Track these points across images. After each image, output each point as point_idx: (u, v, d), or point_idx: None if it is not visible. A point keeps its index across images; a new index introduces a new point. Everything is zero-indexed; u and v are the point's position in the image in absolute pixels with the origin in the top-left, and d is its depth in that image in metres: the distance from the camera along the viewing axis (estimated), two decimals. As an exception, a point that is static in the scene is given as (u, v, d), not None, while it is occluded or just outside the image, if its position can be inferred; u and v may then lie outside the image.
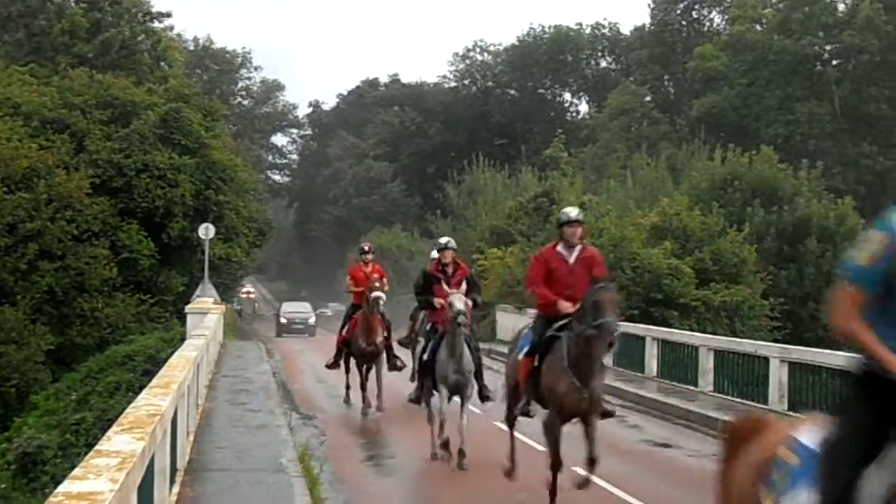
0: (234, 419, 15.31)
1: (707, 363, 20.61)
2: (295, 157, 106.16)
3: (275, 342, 41.86)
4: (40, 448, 22.00)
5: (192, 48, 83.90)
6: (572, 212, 10.99)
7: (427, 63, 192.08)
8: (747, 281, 34.52)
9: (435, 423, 13.49)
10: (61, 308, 36.27)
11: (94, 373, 29.81)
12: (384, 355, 18.17)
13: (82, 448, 19.83)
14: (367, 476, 13.17)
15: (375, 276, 17.89)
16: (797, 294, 39.04)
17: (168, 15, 55.09)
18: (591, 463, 10.22)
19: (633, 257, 31.70)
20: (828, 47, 70.19)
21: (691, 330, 27.94)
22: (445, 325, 13.08)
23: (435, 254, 17.67)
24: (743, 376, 19.58)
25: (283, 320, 55.47)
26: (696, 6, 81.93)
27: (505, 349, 17.00)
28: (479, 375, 13.47)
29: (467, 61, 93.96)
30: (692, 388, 20.77)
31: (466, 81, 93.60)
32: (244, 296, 79.86)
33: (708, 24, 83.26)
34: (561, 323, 10.35)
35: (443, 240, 14.81)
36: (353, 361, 18.62)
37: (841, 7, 70.70)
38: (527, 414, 11.20)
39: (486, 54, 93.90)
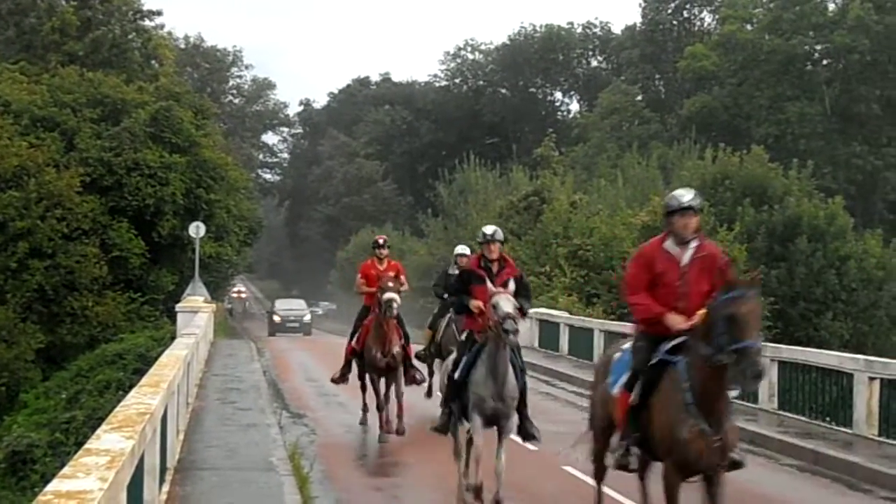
0: (224, 418, 15.29)
1: (697, 362, 20.56)
2: (286, 155, 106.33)
3: (266, 341, 41.75)
4: (30, 447, 21.98)
5: (182, 46, 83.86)
6: (685, 196, 8.24)
7: (418, 62, 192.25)
8: (738, 280, 34.59)
9: (462, 459, 10.64)
10: (51, 306, 36.21)
11: (84, 371, 29.76)
12: (401, 368, 15.49)
13: (72, 447, 19.81)
14: (357, 474, 13.15)
15: (390, 273, 15.44)
16: (787, 293, 39.19)
17: (159, 13, 55.12)
18: None
19: (624, 256, 31.78)
20: (818, 47, 70.43)
21: (682, 329, 27.94)
22: (483, 334, 10.27)
23: (461, 248, 16.69)
24: (733, 375, 19.55)
25: (276, 318, 53.70)
26: (687, 6, 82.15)
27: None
28: (522, 405, 10.55)
29: (458, 60, 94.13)
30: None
31: (457, 80, 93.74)
32: (235, 296, 79.73)
33: (699, 23, 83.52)
34: (673, 343, 8.00)
35: (488, 230, 11.12)
36: (367, 376, 15.91)
37: (831, 7, 70.96)
38: (625, 466, 8.53)
39: (477, 53, 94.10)
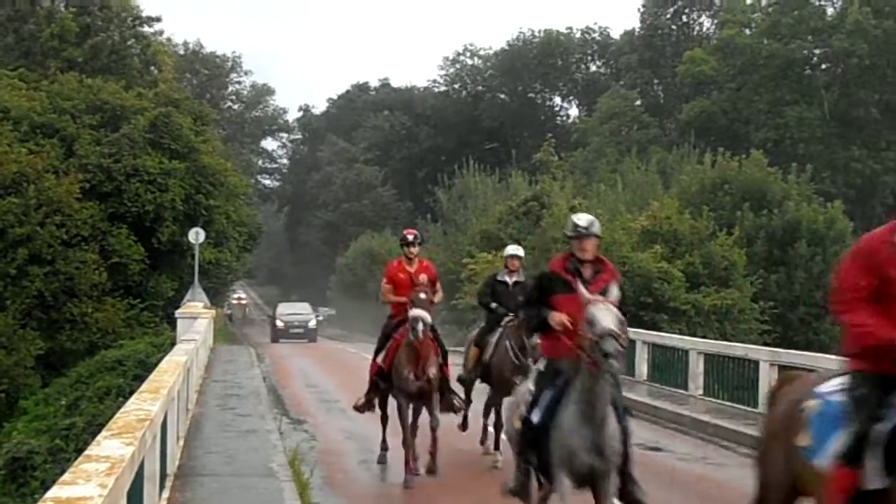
0: (224, 424, 15.29)
1: (697, 367, 20.61)
2: (285, 161, 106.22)
3: (266, 346, 41.66)
4: (30, 453, 21.94)
5: (181, 52, 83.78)
6: None
7: (417, 67, 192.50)
8: (737, 284, 34.67)
9: None
10: (51, 313, 36.20)
11: (83, 378, 29.70)
12: (437, 394, 12.48)
13: (72, 453, 19.76)
14: (358, 480, 13.13)
15: (423, 277, 12.37)
16: (787, 297, 39.19)
17: (158, 19, 55.04)
18: None
19: (623, 261, 31.77)
20: (817, 51, 70.41)
21: (681, 333, 27.99)
22: (572, 361, 7.56)
23: (513, 249, 14.00)
24: (733, 380, 19.61)
25: (279, 324, 50.35)
26: (686, 10, 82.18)
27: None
28: (626, 458, 7.78)
29: (457, 65, 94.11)
30: (682, 391, 20.79)
31: (456, 86, 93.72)
32: (235, 302, 79.63)
33: (697, 28, 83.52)
34: None
35: (581, 220, 8.18)
36: (391, 403, 12.96)
37: (830, 11, 70.99)
38: None
39: (476, 58, 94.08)
